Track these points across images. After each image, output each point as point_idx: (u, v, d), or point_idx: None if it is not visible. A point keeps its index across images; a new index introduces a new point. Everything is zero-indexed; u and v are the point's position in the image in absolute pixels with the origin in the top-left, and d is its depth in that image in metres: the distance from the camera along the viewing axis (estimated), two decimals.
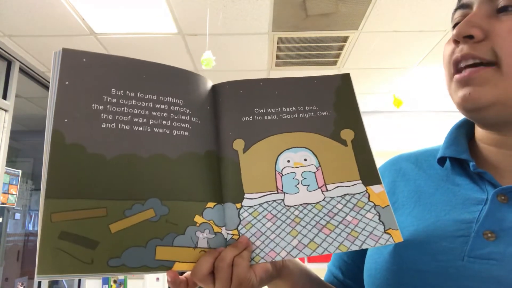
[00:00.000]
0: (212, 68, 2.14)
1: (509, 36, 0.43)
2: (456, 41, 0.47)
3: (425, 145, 0.63)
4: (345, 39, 2.71)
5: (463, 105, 0.46)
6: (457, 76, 0.47)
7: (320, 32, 2.61)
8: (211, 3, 2.26)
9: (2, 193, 2.73)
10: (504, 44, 0.43)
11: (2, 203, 2.76)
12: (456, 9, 0.51)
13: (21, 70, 2.96)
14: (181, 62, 3.02)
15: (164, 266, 0.43)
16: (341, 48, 2.86)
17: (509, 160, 0.48)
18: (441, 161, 0.53)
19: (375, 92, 3.74)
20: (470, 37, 0.45)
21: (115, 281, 3.49)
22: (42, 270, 0.39)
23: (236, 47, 2.82)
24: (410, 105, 4.01)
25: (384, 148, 3.99)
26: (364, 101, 3.97)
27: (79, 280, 3.74)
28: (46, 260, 0.39)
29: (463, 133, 0.54)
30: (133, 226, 0.43)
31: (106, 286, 3.48)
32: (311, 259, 3.14)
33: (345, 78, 0.55)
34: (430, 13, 2.36)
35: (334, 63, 3.11)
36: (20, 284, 3.34)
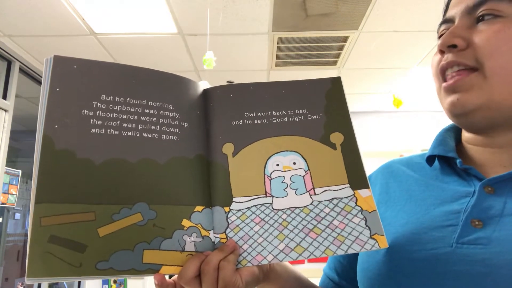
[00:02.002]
0: (212, 68, 2.14)
1: (488, 42, 0.46)
2: (442, 51, 0.51)
3: (425, 145, 0.64)
4: (345, 39, 2.71)
5: (452, 110, 0.50)
6: (444, 84, 0.50)
7: (320, 32, 2.61)
8: (211, 3, 2.26)
9: (2, 193, 2.73)
10: (484, 50, 0.46)
11: (2, 203, 2.76)
12: (441, 24, 0.54)
13: (21, 70, 2.96)
14: (181, 62, 3.02)
15: (151, 269, 0.44)
16: (341, 48, 2.86)
17: (495, 157, 0.50)
18: (430, 160, 0.56)
19: (375, 92, 3.74)
20: (454, 46, 0.49)
21: (115, 281, 3.50)
22: (32, 273, 0.40)
23: (236, 47, 2.82)
24: (410, 105, 4.01)
25: (384, 148, 3.99)
26: (364, 101, 3.97)
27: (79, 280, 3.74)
28: (36, 263, 0.40)
29: (451, 135, 0.58)
30: (121, 230, 0.44)
31: (106, 286, 3.48)
32: (311, 259, 3.13)
33: (336, 82, 0.55)
34: (430, 13, 2.36)
35: (334, 63, 3.11)
36: (20, 284, 3.34)
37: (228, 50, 2.86)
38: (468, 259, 0.43)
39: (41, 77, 3.18)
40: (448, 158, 0.54)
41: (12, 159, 3.33)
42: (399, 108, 2.94)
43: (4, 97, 2.80)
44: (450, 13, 0.52)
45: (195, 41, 2.70)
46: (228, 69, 3.20)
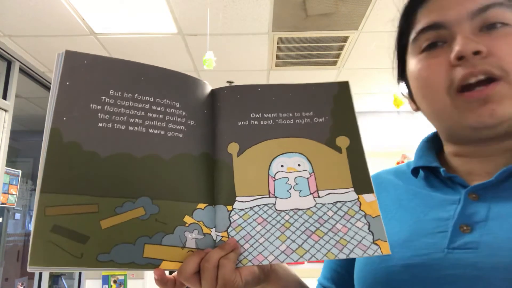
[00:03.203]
0: (212, 68, 2.14)
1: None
2: (459, 59, 0.47)
3: None
4: (345, 39, 2.71)
5: (487, 122, 0.46)
6: (468, 93, 0.47)
7: (320, 32, 2.61)
8: (211, 3, 2.26)
9: (2, 193, 2.73)
10: (510, 58, 0.45)
11: (2, 203, 2.76)
12: (422, 31, 0.51)
13: (21, 70, 2.96)
14: (181, 62, 3.02)
15: (151, 264, 0.44)
16: (341, 48, 2.86)
17: (481, 166, 0.52)
18: (415, 172, 0.58)
19: (375, 92, 3.74)
20: (478, 53, 0.45)
21: (115, 281, 3.50)
22: (33, 262, 0.40)
23: (236, 47, 2.82)
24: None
25: (384, 148, 3.99)
26: (364, 101, 3.97)
27: (79, 280, 3.74)
28: (38, 252, 0.41)
29: (431, 146, 0.59)
30: (123, 223, 0.44)
31: (106, 286, 3.48)
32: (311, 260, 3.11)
33: (344, 86, 0.55)
34: None
35: (334, 63, 3.11)
36: (20, 284, 3.34)
37: (228, 50, 2.86)
38: (460, 264, 0.44)
39: (41, 77, 3.19)
40: (432, 168, 0.55)
41: (12, 159, 3.33)
42: (399, 108, 2.94)
43: (4, 97, 2.79)
44: (436, 17, 0.50)
45: (195, 41, 2.70)
46: (228, 69, 3.20)
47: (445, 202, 0.50)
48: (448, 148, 0.57)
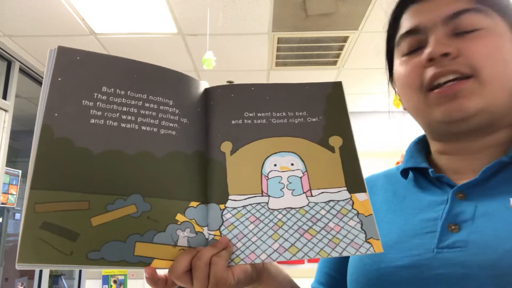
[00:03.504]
0: (212, 68, 2.14)
1: (481, 51, 0.48)
2: (430, 60, 0.50)
3: None
4: (345, 39, 2.71)
5: (453, 116, 0.50)
6: (438, 91, 0.50)
7: (320, 32, 2.61)
8: (211, 3, 2.26)
9: (2, 193, 2.74)
10: (479, 58, 0.48)
11: (2, 203, 2.76)
12: (403, 36, 0.55)
13: (21, 70, 2.96)
14: (181, 62, 3.02)
15: (142, 262, 0.44)
16: (341, 48, 2.86)
17: (466, 164, 0.53)
18: (404, 173, 0.59)
19: (375, 92, 3.74)
20: (446, 54, 0.49)
21: (115, 281, 3.50)
22: (22, 259, 0.40)
23: (236, 47, 2.82)
24: None
25: (384, 148, 3.99)
26: (364, 101, 3.98)
27: (79, 280, 3.74)
28: (27, 249, 0.40)
29: (421, 148, 0.61)
30: (114, 220, 0.44)
31: (106, 286, 3.48)
32: (311, 259, 3.12)
33: (337, 86, 0.56)
34: None
35: (334, 63, 3.11)
36: (20, 284, 3.34)
37: (228, 50, 2.86)
38: (449, 263, 0.45)
39: (41, 77, 3.18)
40: (421, 169, 0.57)
41: (12, 159, 3.33)
42: (399, 108, 2.94)
43: (4, 97, 2.80)
44: (414, 22, 0.53)
45: (195, 41, 2.70)
46: (228, 69, 3.20)
47: (434, 203, 0.52)
48: (433, 147, 0.59)
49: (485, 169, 0.48)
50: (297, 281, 0.65)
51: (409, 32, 0.54)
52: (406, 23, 0.55)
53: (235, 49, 2.86)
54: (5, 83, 2.82)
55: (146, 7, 2.30)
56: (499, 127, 0.51)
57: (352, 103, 4.01)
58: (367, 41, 2.72)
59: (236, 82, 3.37)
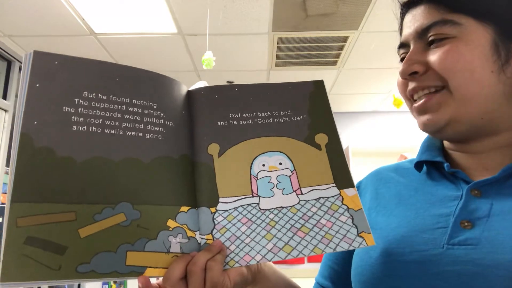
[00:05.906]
0: (213, 68, 2.14)
1: (444, 62, 0.49)
2: (404, 78, 0.54)
3: None
4: (345, 39, 2.71)
5: (425, 129, 0.54)
6: (415, 105, 0.53)
7: (320, 32, 2.61)
8: (211, 3, 2.26)
9: (2, 193, 2.73)
10: (444, 69, 0.49)
11: (2, 203, 2.76)
12: (399, 47, 0.58)
13: (21, 70, 2.96)
14: (181, 62, 3.02)
15: (135, 271, 0.42)
16: (341, 48, 2.86)
17: (476, 162, 0.53)
18: (418, 166, 0.58)
19: (375, 92, 3.74)
20: (415, 73, 0.52)
21: (115, 281, 3.50)
22: (6, 277, 0.37)
23: (236, 47, 2.82)
24: None
25: (384, 148, 3.99)
26: (364, 101, 3.97)
27: None
28: (10, 267, 0.38)
29: (436, 141, 0.60)
30: (103, 230, 0.42)
31: (106, 286, 3.49)
32: (311, 259, 3.13)
33: (319, 84, 0.56)
34: None
35: (334, 63, 3.11)
36: None
37: (228, 50, 2.86)
38: (459, 260, 0.44)
39: None
40: (435, 162, 0.56)
41: None
42: (399, 108, 2.94)
43: (4, 97, 2.80)
44: (405, 34, 0.56)
45: (195, 41, 2.70)
46: (228, 69, 3.20)
47: (447, 198, 0.51)
48: (445, 143, 0.59)
49: (506, 168, 0.47)
50: (297, 281, 0.65)
51: (400, 46, 0.57)
52: (402, 32, 0.57)
53: (235, 49, 2.86)
54: (5, 83, 2.82)
55: (146, 7, 2.30)
56: (498, 129, 0.51)
57: (352, 103, 4.01)
58: (367, 41, 2.72)
59: (236, 82, 3.37)
